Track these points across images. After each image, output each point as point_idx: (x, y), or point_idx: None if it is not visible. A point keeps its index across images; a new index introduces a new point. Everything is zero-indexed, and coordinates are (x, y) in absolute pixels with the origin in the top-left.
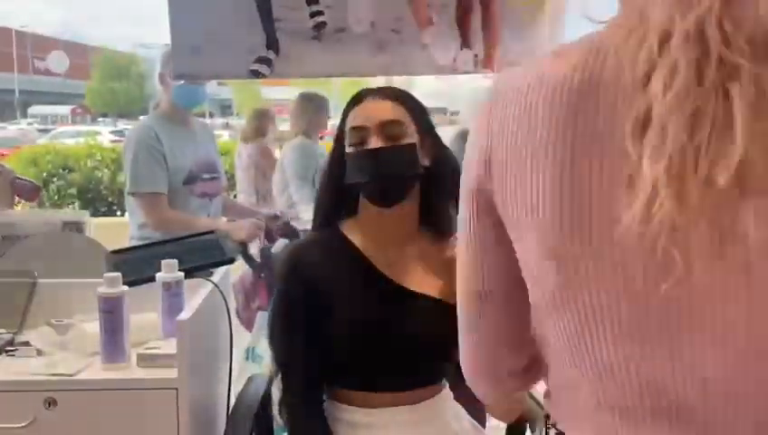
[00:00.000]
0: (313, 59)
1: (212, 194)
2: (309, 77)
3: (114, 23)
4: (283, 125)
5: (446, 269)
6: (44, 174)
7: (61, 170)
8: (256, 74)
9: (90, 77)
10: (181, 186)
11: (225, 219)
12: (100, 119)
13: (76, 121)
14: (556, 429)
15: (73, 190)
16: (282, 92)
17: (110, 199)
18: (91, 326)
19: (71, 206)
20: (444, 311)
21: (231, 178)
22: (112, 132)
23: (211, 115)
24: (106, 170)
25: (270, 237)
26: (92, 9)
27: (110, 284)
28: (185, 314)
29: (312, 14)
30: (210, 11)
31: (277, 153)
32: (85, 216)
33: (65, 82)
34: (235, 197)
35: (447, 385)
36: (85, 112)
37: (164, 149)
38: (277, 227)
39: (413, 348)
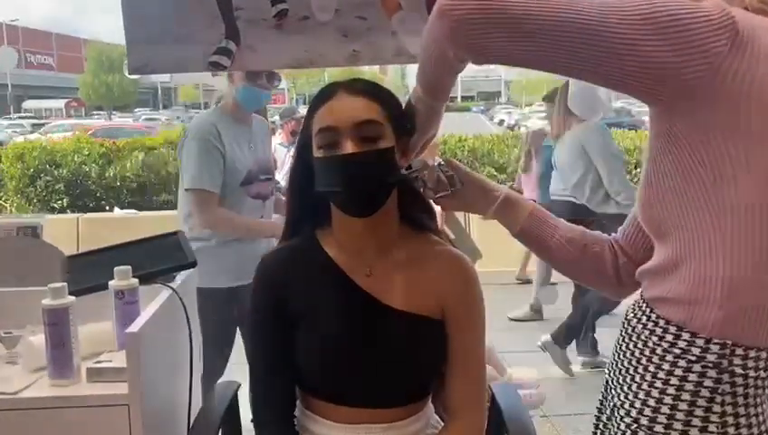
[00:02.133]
0: (276, 49)
1: (265, 195)
2: (272, 68)
3: (104, 14)
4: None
5: (431, 273)
6: (32, 170)
7: (48, 166)
8: (216, 66)
9: (83, 70)
10: (238, 186)
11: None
12: (95, 112)
13: (71, 115)
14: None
15: (61, 186)
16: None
17: (98, 194)
18: (42, 339)
19: (59, 202)
20: (422, 328)
21: None
22: None
23: (206, 106)
24: (94, 165)
25: None
26: (80, 1)
27: (55, 294)
28: (135, 326)
29: (274, 2)
30: (166, 0)
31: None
32: (41, 219)
33: (59, 76)
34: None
35: (429, 405)
36: (80, 106)
37: (224, 149)
38: None
39: (384, 366)
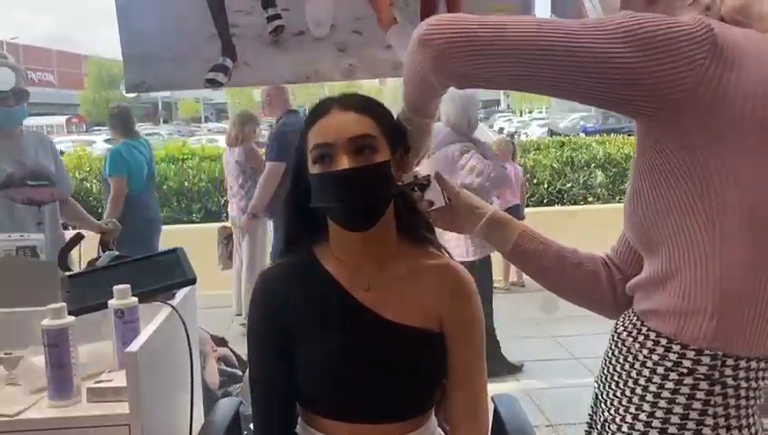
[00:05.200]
0: (273, 65)
1: (40, 201)
2: (269, 84)
3: (104, 30)
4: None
5: (430, 286)
6: None
7: None
8: (213, 83)
9: (84, 86)
10: None
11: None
12: (96, 128)
13: (72, 131)
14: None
15: None
16: None
17: (99, 211)
18: (42, 359)
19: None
20: (423, 341)
21: (221, 182)
22: (106, 141)
23: (207, 119)
24: (95, 181)
25: (106, 248)
26: (80, 17)
27: (55, 315)
28: (134, 346)
29: (270, 18)
30: (162, 18)
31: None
32: (39, 239)
33: (60, 93)
34: (225, 202)
35: (432, 419)
36: (80, 122)
37: None
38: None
39: (385, 380)
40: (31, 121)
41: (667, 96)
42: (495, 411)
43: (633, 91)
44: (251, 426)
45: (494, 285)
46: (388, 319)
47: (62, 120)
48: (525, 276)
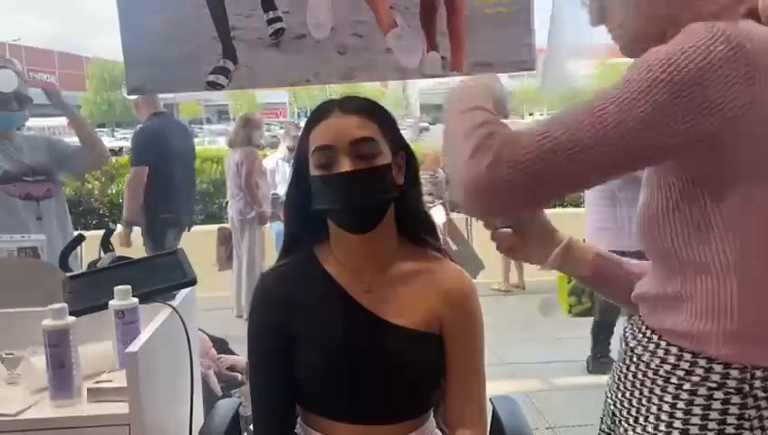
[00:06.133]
0: (273, 67)
1: (38, 196)
2: (269, 87)
3: (105, 32)
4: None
5: (429, 288)
6: None
7: None
8: (214, 86)
9: (85, 88)
10: None
11: None
12: (97, 129)
13: (74, 133)
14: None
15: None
16: (277, 96)
17: (101, 212)
18: (43, 359)
19: None
20: (422, 343)
21: (224, 184)
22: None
23: (209, 121)
24: (96, 182)
25: (107, 249)
26: (82, 20)
27: (56, 315)
28: (134, 346)
29: (270, 21)
30: (163, 21)
31: (266, 161)
32: (40, 240)
33: (62, 95)
34: (226, 204)
35: (430, 420)
36: None
37: None
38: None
39: (385, 382)
40: (33, 123)
41: (709, 131)
42: (494, 413)
43: (684, 146)
44: (250, 427)
45: (494, 286)
46: (387, 321)
47: (63, 121)
48: (526, 278)
